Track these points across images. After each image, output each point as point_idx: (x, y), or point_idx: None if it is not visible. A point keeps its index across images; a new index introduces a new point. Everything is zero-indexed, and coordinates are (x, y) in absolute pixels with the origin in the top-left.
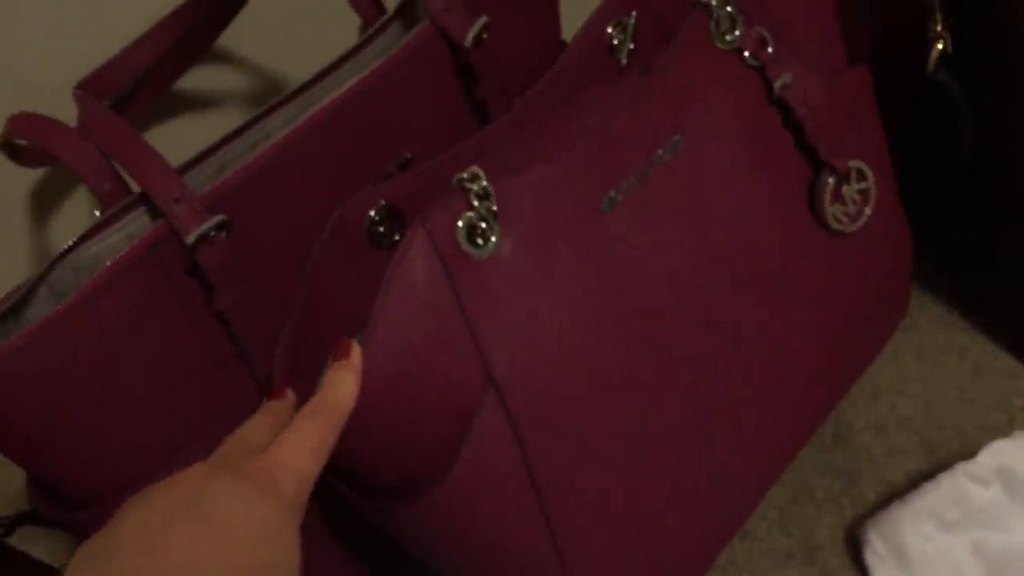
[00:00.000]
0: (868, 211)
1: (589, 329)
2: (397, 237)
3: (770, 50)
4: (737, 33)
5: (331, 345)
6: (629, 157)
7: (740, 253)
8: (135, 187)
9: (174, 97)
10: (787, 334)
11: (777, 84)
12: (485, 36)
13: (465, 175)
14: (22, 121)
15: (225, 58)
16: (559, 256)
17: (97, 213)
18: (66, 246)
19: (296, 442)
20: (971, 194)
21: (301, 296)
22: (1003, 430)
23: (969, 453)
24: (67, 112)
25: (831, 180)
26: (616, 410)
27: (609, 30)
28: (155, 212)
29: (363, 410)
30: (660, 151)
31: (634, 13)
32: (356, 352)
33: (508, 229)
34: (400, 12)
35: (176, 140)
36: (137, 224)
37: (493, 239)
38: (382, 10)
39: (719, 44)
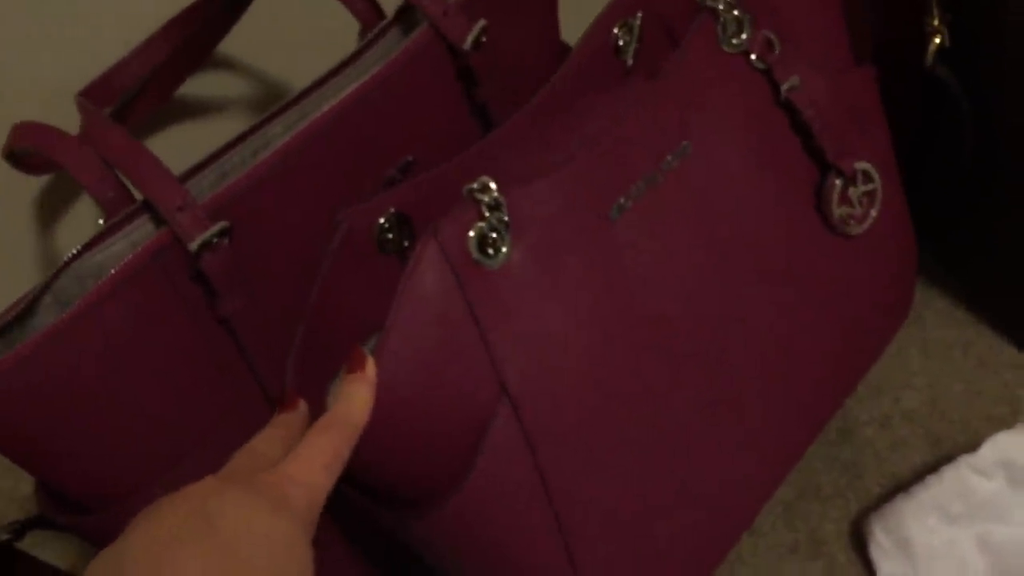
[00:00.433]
0: (874, 213)
1: (598, 337)
2: (406, 244)
3: (777, 52)
4: (744, 36)
5: (341, 353)
6: (638, 163)
7: (747, 255)
8: (137, 195)
9: (175, 104)
10: (794, 335)
11: (784, 87)
12: (484, 39)
13: (475, 185)
14: (25, 130)
15: (225, 65)
16: (569, 264)
17: (101, 221)
18: (70, 254)
19: (309, 456)
20: (972, 189)
21: (311, 305)
22: (1008, 422)
23: (974, 446)
24: (69, 120)
25: (838, 182)
26: (625, 417)
27: (615, 30)
28: (158, 220)
29: (376, 422)
30: (669, 157)
31: (640, 14)
32: (370, 364)
33: (519, 238)
34: (399, 17)
35: (177, 147)
36: (140, 232)
37: (504, 249)
38: (381, 15)
39: (726, 47)
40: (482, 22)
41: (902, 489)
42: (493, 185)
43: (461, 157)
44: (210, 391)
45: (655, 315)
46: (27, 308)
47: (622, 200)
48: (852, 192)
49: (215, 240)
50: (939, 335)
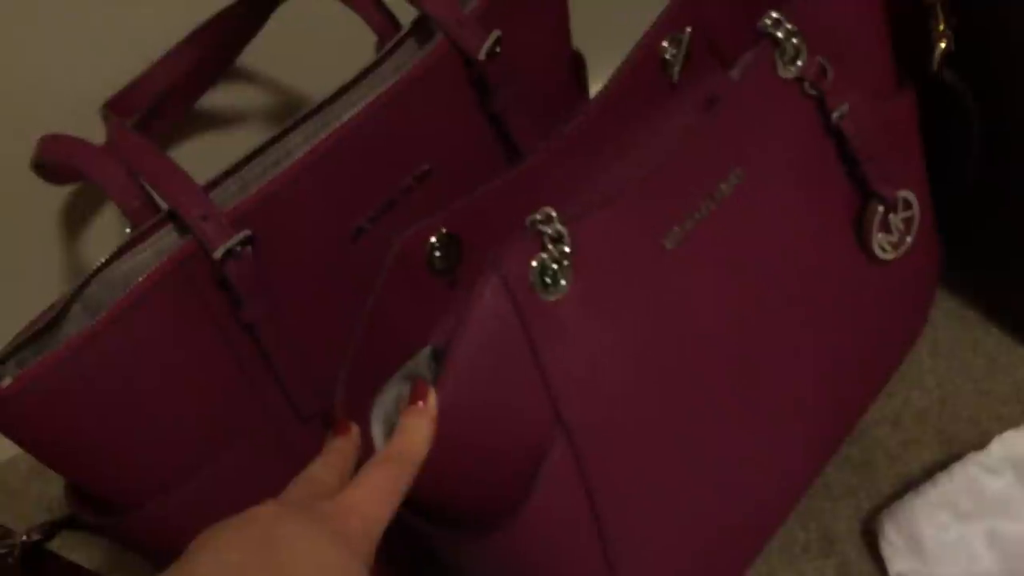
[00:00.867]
0: (910, 240)
1: (648, 364)
2: (455, 264)
3: (829, 79)
4: (799, 63)
5: (388, 373)
6: (693, 193)
7: (787, 278)
8: (162, 204)
9: (196, 115)
10: (824, 352)
11: (835, 114)
12: (498, 49)
13: (538, 216)
14: (53, 142)
15: (245, 76)
16: (624, 294)
17: (128, 231)
18: (99, 263)
19: (370, 489)
20: (980, 190)
21: (361, 327)
22: (1017, 421)
23: (984, 444)
24: (90, 132)
25: (880, 209)
26: (670, 442)
27: (664, 44)
28: (183, 229)
29: (433, 451)
30: (722, 185)
31: (688, 29)
32: (432, 397)
33: (577, 270)
34: (415, 28)
35: (198, 157)
36: (166, 241)
37: (563, 281)
38: (397, 26)
39: (782, 73)
40: (496, 33)
41: (913, 487)
42: (555, 216)
43: (510, 176)
44: (234, 395)
45: (700, 339)
46: (57, 316)
47: (676, 229)
48: (892, 219)
49: (239, 248)
50: (949, 335)
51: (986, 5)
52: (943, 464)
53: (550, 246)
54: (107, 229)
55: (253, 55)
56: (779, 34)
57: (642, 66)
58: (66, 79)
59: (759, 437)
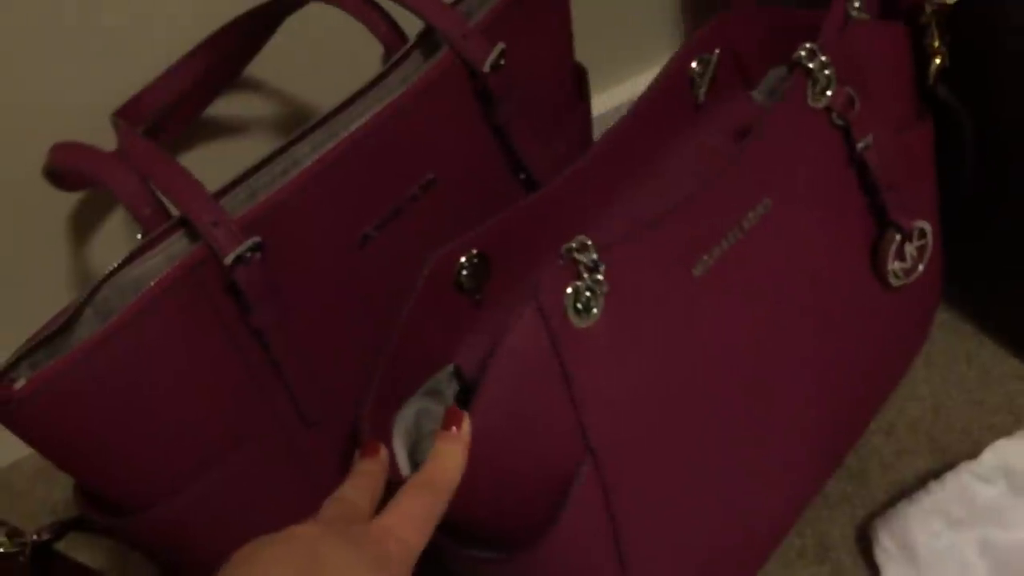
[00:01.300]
0: (922, 268)
1: (671, 389)
2: (482, 283)
3: (856, 110)
4: (829, 94)
5: (411, 388)
6: (723, 222)
7: (804, 304)
8: (172, 211)
9: (203, 125)
10: (835, 373)
11: (860, 145)
12: (503, 62)
13: (575, 245)
14: (66, 150)
15: (253, 87)
16: (652, 321)
17: (139, 236)
18: (111, 268)
19: (405, 515)
20: (975, 204)
21: (391, 347)
22: (1009, 431)
23: (976, 454)
24: (99, 141)
25: (897, 238)
26: (686, 463)
27: (694, 65)
28: (193, 235)
29: (464, 474)
30: (750, 214)
31: (717, 51)
32: (466, 423)
33: (609, 297)
34: (421, 40)
35: (205, 166)
36: (177, 247)
37: (595, 309)
38: (403, 38)
39: (811, 103)
40: (500, 45)
41: (906, 495)
42: (591, 245)
43: (538, 196)
44: (242, 399)
45: (719, 362)
46: (70, 319)
47: (705, 257)
48: (907, 248)
49: (248, 254)
50: (943, 347)
51: (980, 21)
52: (936, 473)
53: (585, 274)
54: (114, 235)
55: (261, 66)
56: (812, 65)
57: (671, 86)
58: (76, 88)
59: (769, 454)
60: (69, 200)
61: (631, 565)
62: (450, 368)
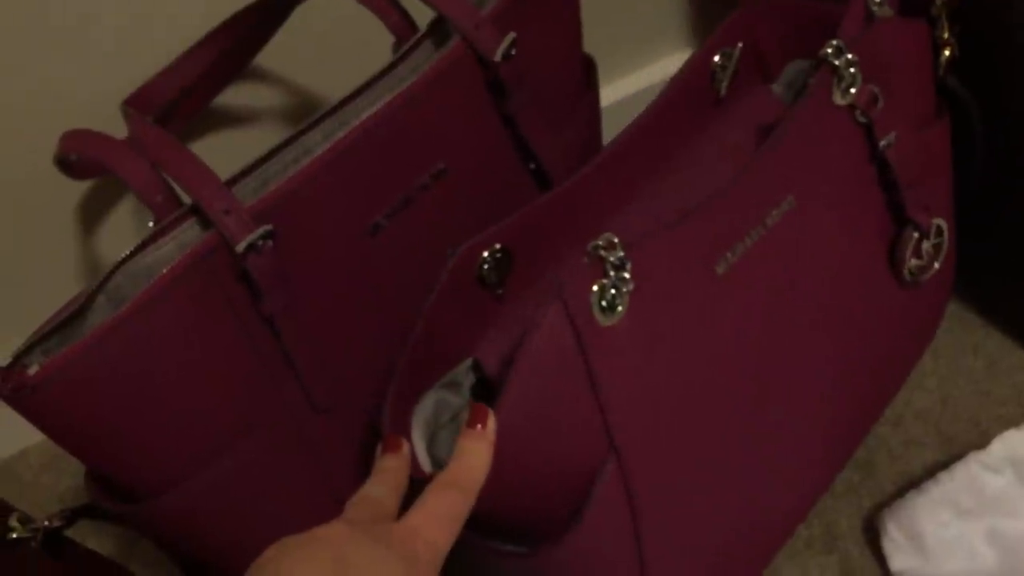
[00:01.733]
0: (938, 265)
1: (693, 386)
2: (504, 277)
3: (879, 107)
4: (854, 91)
5: (430, 383)
6: (746, 220)
7: (822, 301)
8: (184, 199)
9: (212, 114)
10: (848, 368)
11: (882, 143)
12: (514, 51)
13: (601, 243)
14: (78, 137)
15: (263, 76)
16: (676, 320)
17: (151, 224)
18: (122, 256)
19: (432, 514)
20: (984, 195)
21: (413, 340)
22: (1017, 422)
23: (984, 444)
24: (104, 130)
25: (915, 236)
26: (705, 459)
27: (716, 58)
28: (205, 223)
29: (489, 472)
30: (774, 211)
31: (740, 45)
32: (491, 421)
33: (634, 295)
34: (432, 30)
35: (214, 156)
36: (188, 234)
37: (620, 307)
38: (414, 28)
39: (836, 100)
40: (512, 35)
41: (914, 486)
42: (618, 243)
43: (560, 191)
44: (253, 387)
45: (738, 359)
46: (82, 306)
47: (728, 255)
48: (924, 245)
49: (260, 242)
50: (950, 338)
51: (989, 13)
52: (944, 464)
53: (611, 272)
54: (122, 226)
55: (271, 55)
56: (838, 61)
57: (693, 80)
58: (85, 77)
59: (785, 451)
60: (78, 189)
61: (649, 562)
62: (469, 362)
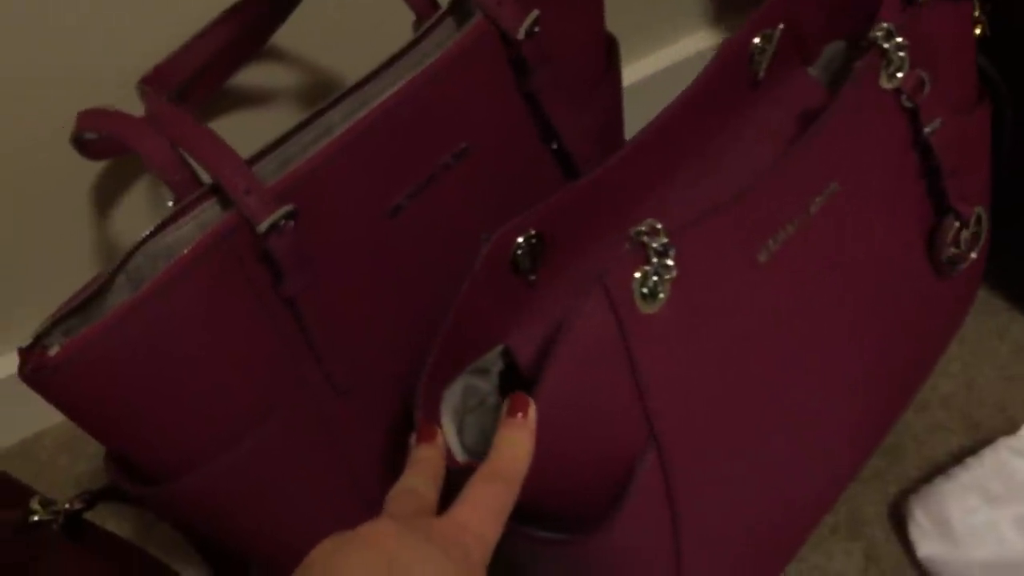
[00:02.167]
0: (974, 255)
1: (732, 375)
2: (537, 264)
3: (926, 93)
4: (900, 75)
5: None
6: (789, 207)
7: (861, 290)
8: (204, 178)
9: (231, 93)
10: (882, 357)
11: (928, 128)
12: (536, 29)
13: (643, 228)
14: (95, 116)
15: (281, 54)
16: (717, 307)
17: (170, 204)
18: (143, 236)
19: (478, 506)
20: (1011, 176)
21: (446, 327)
22: None
23: (1010, 430)
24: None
25: (956, 225)
26: (741, 448)
27: (756, 40)
28: (225, 202)
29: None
30: (817, 198)
31: (781, 26)
32: (532, 410)
33: (676, 282)
34: (453, 7)
35: (232, 135)
36: (208, 214)
37: (662, 294)
38: (435, 5)
39: (883, 84)
40: (535, 12)
41: (939, 472)
42: (662, 230)
43: (594, 177)
44: (274, 368)
45: (777, 347)
46: (103, 287)
47: (770, 243)
48: (963, 234)
49: (282, 222)
50: (975, 322)
51: None
52: (970, 449)
53: (654, 259)
54: (138, 207)
55: (289, 33)
56: (887, 45)
57: (731, 62)
58: (101, 56)
59: (820, 439)
60: (95, 170)
61: (685, 550)
62: (500, 348)
